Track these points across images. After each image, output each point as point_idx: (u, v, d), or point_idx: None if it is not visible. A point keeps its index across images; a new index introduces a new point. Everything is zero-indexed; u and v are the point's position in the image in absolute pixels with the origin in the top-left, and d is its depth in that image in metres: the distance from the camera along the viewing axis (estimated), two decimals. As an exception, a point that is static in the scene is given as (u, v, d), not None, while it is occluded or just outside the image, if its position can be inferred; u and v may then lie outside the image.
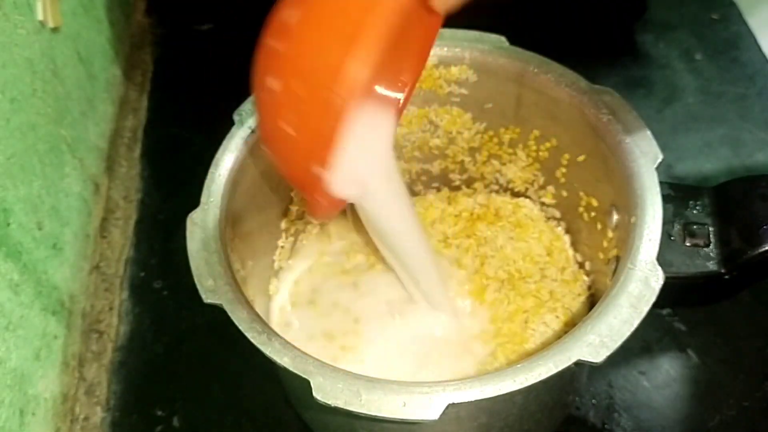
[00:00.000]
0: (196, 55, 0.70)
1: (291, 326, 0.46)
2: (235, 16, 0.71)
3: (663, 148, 0.38)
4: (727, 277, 0.38)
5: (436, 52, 0.45)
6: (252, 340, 0.33)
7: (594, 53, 0.66)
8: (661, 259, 0.34)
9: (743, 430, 0.45)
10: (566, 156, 0.45)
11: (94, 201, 0.55)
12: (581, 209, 0.45)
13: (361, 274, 0.48)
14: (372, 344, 0.44)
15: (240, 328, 0.34)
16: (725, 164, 0.57)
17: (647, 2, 0.70)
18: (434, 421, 0.31)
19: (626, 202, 0.38)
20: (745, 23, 0.68)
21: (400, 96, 0.37)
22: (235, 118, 0.42)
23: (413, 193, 0.53)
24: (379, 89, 0.37)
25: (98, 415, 0.47)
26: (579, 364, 0.32)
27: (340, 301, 0.47)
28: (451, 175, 0.52)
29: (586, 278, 0.46)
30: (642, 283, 0.34)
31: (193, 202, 0.39)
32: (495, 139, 0.49)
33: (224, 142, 0.41)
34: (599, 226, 0.43)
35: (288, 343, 0.33)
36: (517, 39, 0.44)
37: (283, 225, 0.48)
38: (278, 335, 0.34)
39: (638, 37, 0.68)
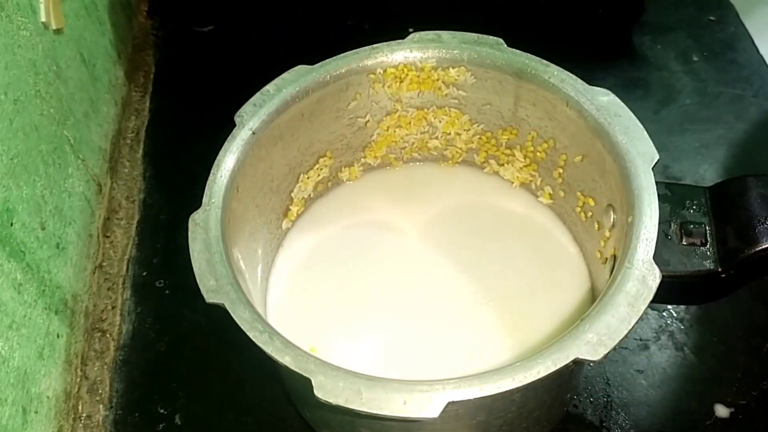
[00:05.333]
0: (198, 56, 0.70)
1: (290, 324, 0.46)
2: (237, 18, 0.72)
3: (660, 148, 0.38)
4: (723, 275, 0.38)
5: (435, 54, 0.45)
6: (254, 340, 0.34)
7: (591, 55, 0.66)
8: (658, 258, 0.35)
9: (740, 429, 0.45)
10: (563, 157, 0.45)
11: (97, 201, 0.55)
12: (578, 209, 0.46)
13: (360, 272, 0.48)
14: (367, 340, 0.45)
15: (242, 327, 0.34)
16: (721, 164, 0.58)
17: (644, 4, 0.71)
18: (434, 419, 0.31)
19: (623, 202, 0.38)
20: (741, 25, 0.68)
21: None
22: (237, 119, 0.42)
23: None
24: None
25: (101, 413, 0.48)
26: (577, 363, 0.32)
27: (337, 297, 0.47)
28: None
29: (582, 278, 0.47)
30: (639, 282, 0.34)
31: (195, 202, 0.39)
32: (493, 141, 0.49)
33: (225, 144, 0.41)
34: (596, 226, 0.44)
35: (289, 342, 0.34)
36: (514, 41, 0.45)
37: (284, 225, 0.49)
38: (279, 334, 0.34)
39: (635, 39, 0.68)
